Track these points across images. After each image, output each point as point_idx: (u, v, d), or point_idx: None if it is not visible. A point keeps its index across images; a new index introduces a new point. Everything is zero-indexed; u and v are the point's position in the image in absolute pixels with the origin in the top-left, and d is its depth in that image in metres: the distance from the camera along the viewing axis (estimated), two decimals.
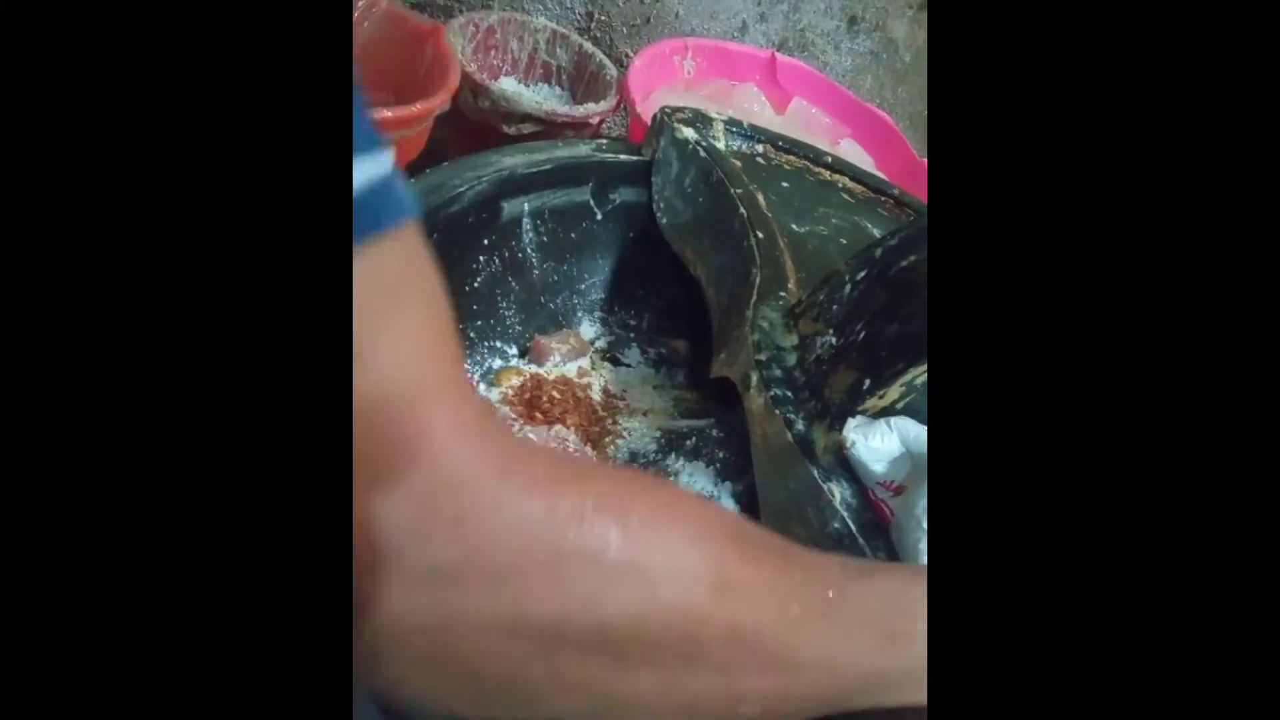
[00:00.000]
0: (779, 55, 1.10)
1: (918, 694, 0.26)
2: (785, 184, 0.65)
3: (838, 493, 0.43)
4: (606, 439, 0.59)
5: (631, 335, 0.69)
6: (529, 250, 0.63)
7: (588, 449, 0.57)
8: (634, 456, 0.59)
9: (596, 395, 0.62)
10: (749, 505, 0.55)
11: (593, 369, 0.65)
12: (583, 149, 0.63)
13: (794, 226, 0.60)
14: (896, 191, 0.70)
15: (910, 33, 1.35)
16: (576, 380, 0.62)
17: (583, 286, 0.68)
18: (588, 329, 0.68)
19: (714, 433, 0.57)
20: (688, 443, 0.57)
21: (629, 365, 0.66)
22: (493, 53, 1.00)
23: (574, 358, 0.63)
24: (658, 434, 0.60)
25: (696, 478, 0.56)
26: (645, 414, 0.62)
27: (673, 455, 0.57)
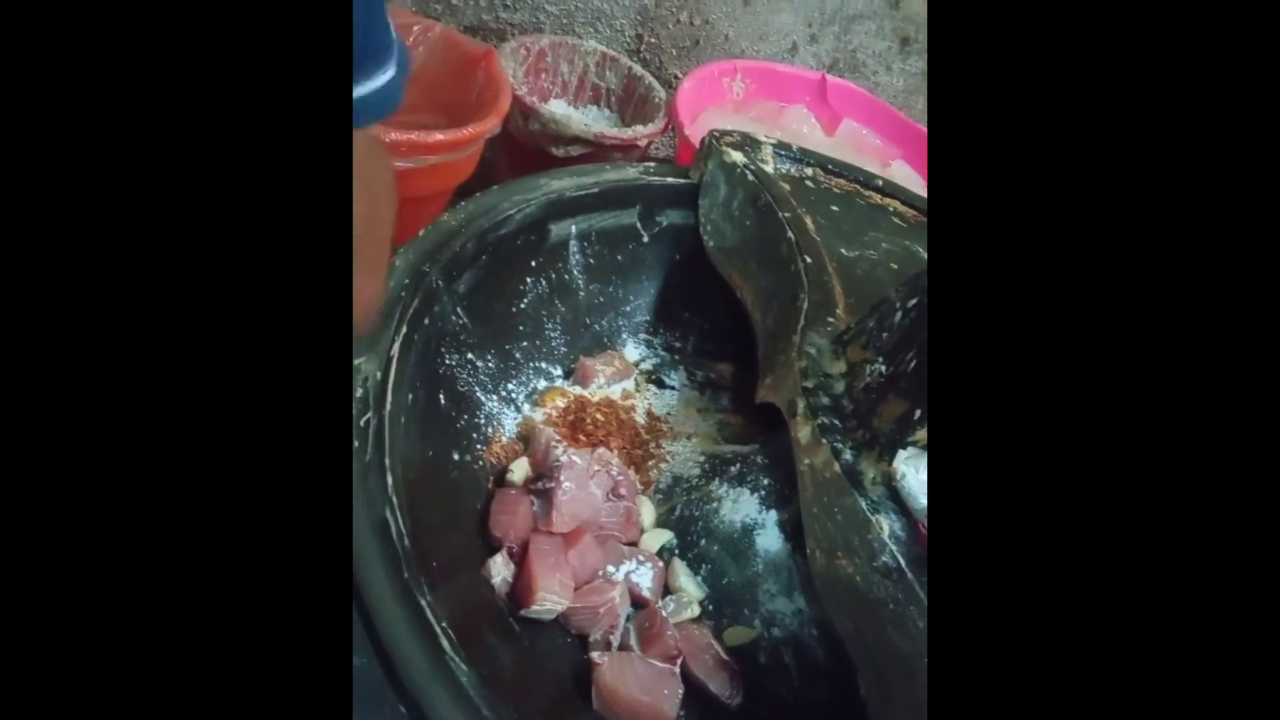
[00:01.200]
0: (829, 76, 1.09)
1: None
2: (835, 207, 0.64)
3: (886, 525, 0.41)
4: (650, 462, 0.59)
5: (676, 358, 0.68)
6: (575, 272, 0.63)
7: (631, 472, 0.57)
8: (677, 481, 0.58)
9: (640, 418, 0.62)
10: (794, 534, 0.54)
11: (637, 391, 0.64)
12: (630, 172, 0.64)
13: (843, 251, 0.59)
14: None
15: None
16: (620, 402, 0.62)
17: (628, 308, 0.68)
18: (632, 351, 0.67)
19: (759, 459, 0.56)
20: (732, 468, 0.57)
21: (674, 388, 0.66)
22: (543, 76, 1.01)
23: (618, 380, 0.63)
24: (701, 458, 0.60)
25: (741, 504, 0.55)
26: (689, 437, 0.61)
27: (716, 480, 0.57)
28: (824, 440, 0.44)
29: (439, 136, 0.72)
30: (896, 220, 0.66)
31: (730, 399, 0.66)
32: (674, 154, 1.16)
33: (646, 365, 0.67)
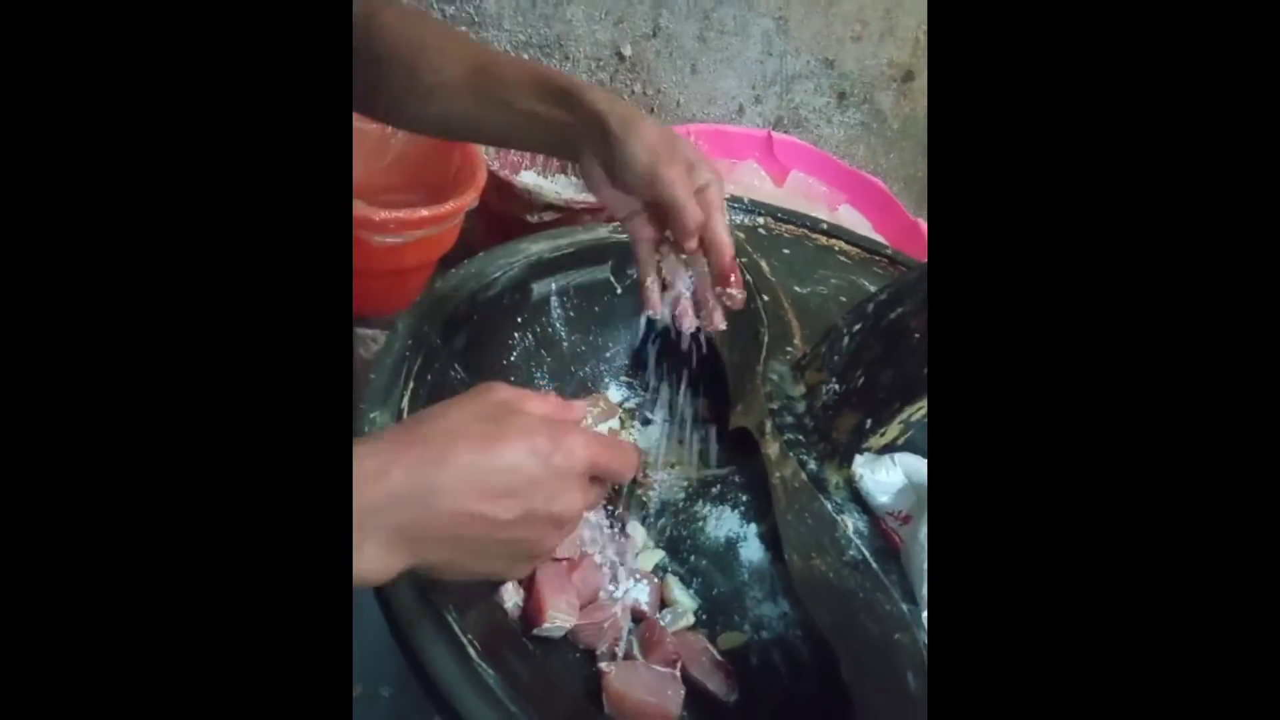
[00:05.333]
0: (774, 133, 1.19)
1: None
2: (786, 250, 0.71)
3: (850, 523, 0.47)
4: (639, 490, 0.64)
5: (655, 396, 0.74)
6: (558, 324, 0.69)
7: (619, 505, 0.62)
8: (664, 505, 0.64)
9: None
10: (774, 544, 0.59)
11: (622, 428, 0.70)
12: (600, 232, 0.70)
13: (797, 288, 0.66)
14: (889, 251, 0.76)
15: (896, 103, 1.44)
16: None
17: (608, 354, 0.74)
18: (615, 393, 0.73)
19: (736, 479, 0.61)
20: (713, 489, 0.62)
21: (655, 422, 0.71)
22: (513, 150, 1.09)
23: (605, 419, 0.69)
24: (685, 483, 0.65)
25: (724, 521, 0.60)
26: (673, 466, 0.67)
27: (700, 501, 0.62)
28: (790, 454, 0.50)
29: (423, 213, 0.79)
30: (842, 258, 0.74)
31: (706, 430, 0.72)
32: None
33: (629, 404, 0.73)
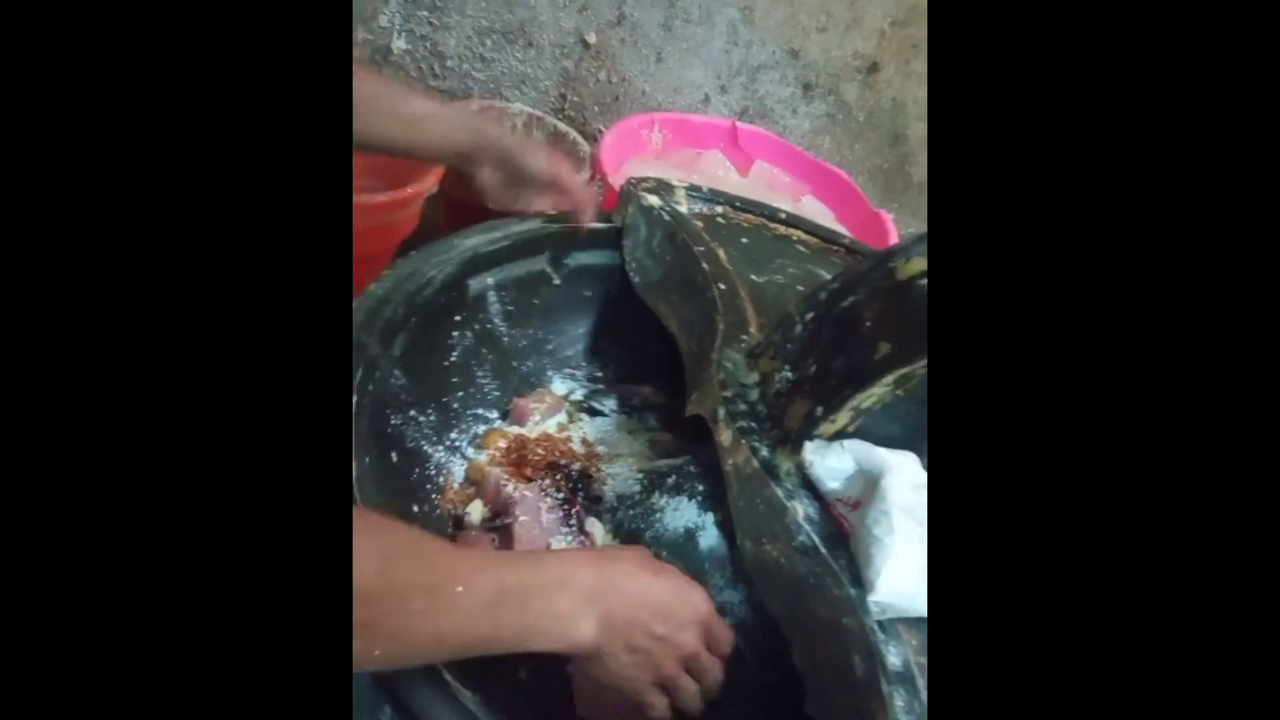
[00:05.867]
0: (739, 123, 1.19)
1: (525, 644, 0.39)
2: (744, 240, 0.71)
3: (801, 510, 0.48)
4: (594, 484, 0.64)
5: (602, 386, 0.74)
6: (497, 320, 0.68)
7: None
8: (621, 499, 0.64)
9: (577, 446, 0.67)
10: (732, 531, 0.60)
11: (571, 422, 0.70)
12: (534, 223, 0.69)
13: (754, 277, 0.66)
14: (847, 241, 0.77)
15: (861, 95, 1.45)
16: (557, 435, 0.67)
17: (550, 347, 0.73)
18: (560, 386, 0.73)
19: (692, 469, 0.62)
20: (669, 480, 0.62)
21: (604, 413, 0.71)
22: None
23: (552, 414, 0.68)
24: (640, 475, 0.65)
25: (681, 511, 0.60)
26: (625, 458, 0.67)
27: (656, 493, 0.62)
28: (743, 441, 0.51)
29: (381, 198, 0.78)
30: (801, 248, 0.74)
31: (657, 417, 0.72)
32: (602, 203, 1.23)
33: (576, 396, 0.73)
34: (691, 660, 0.46)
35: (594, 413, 0.71)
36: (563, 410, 0.70)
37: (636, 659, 0.43)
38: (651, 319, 0.67)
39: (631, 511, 0.64)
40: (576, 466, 0.65)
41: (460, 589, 0.36)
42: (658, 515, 0.62)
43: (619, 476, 0.65)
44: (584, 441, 0.68)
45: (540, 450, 0.65)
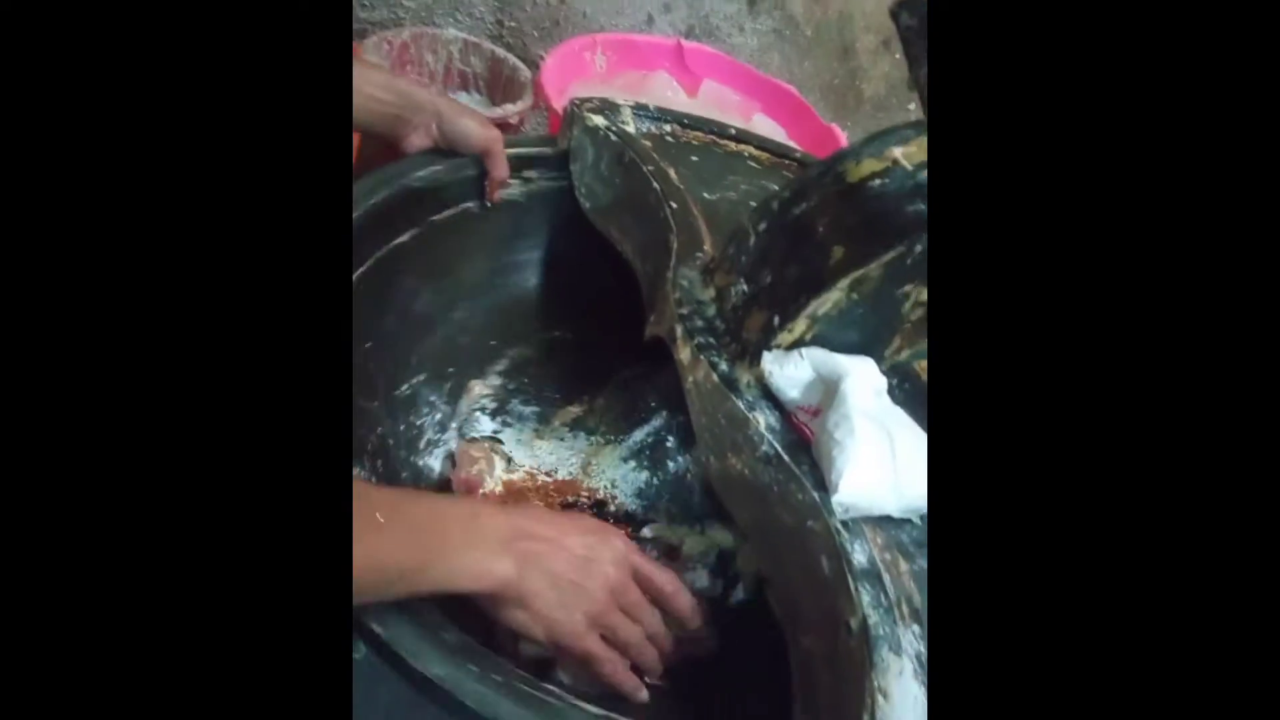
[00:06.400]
0: (685, 42, 1.15)
1: (448, 582, 0.40)
2: (694, 158, 0.70)
3: (762, 420, 0.48)
4: (608, 506, 0.62)
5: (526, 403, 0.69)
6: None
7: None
8: (640, 494, 0.62)
9: (544, 479, 0.63)
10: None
11: (509, 466, 0.64)
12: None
13: (706, 195, 0.65)
14: (799, 154, 0.76)
15: (809, 9, 1.42)
16: (522, 483, 0.63)
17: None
18: (487, 426, 0.67)
19: (668, 436, 0.61)
20: (649, 450, 0.61)
21: (549, 440, 0.66)
22: (409, 68, 1.03)
23: (499, 465, 0.63)
24: (630, 463, 0.64)
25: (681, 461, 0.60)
26: (593, 459, 0.65)
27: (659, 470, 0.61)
28: (702, 357, 0.50)
29: None
30: (752, 164, 0.73)
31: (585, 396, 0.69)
32: (546, 129, 1.20)
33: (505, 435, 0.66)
34: (622, 595, 0.46)
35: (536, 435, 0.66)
36: (498, 457, 0.64)
37: (562, 595, 0.44)
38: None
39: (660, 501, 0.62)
40: (583, 498, 0.62)
41: (382, 519, 0.38)
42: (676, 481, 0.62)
43: (619, 477, 0.64)
44: (547, 474, 0.64)
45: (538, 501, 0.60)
